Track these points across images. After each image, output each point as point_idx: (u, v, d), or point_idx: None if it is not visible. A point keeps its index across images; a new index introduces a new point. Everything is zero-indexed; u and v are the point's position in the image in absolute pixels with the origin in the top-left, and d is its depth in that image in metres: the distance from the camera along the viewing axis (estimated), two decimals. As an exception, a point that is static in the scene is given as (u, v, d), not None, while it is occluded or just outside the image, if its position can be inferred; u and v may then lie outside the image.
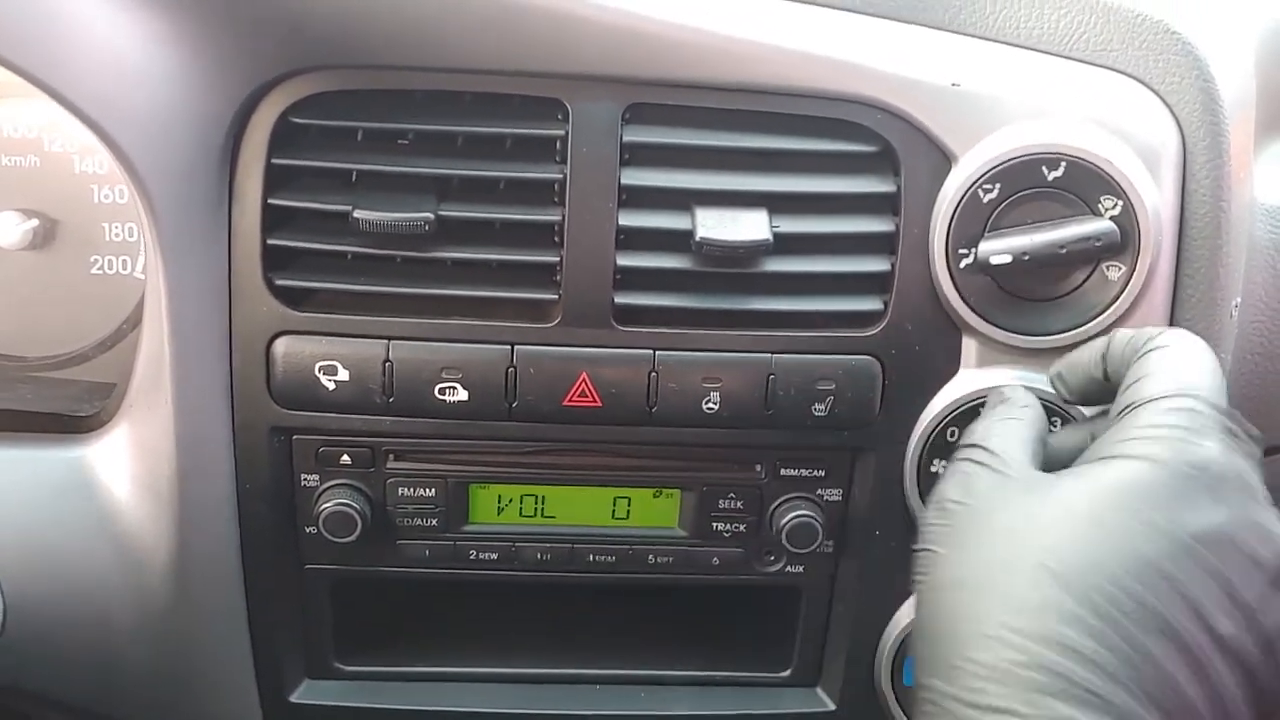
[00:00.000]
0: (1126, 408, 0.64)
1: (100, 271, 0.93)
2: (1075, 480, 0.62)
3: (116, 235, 0.93)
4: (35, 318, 0.93)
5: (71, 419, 0.83)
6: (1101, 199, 0.78)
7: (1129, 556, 0.57)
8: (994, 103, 0.79)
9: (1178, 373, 0.64)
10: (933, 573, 0.64)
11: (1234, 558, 0.58)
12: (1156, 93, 0.81)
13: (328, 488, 0.84)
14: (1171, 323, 0.82)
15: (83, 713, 0.89)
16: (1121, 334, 0.71)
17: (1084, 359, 0.73)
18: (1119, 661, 0.56)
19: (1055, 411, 0.80)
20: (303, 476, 0.84)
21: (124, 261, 0.93)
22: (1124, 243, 0.78)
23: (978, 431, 0.71)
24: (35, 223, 0.91)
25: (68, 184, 0.92)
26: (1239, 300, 0.85)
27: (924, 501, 0.85)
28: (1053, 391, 0.78)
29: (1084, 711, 0.54)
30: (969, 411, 0.82)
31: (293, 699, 0.91)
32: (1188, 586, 0.57)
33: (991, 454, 0.67)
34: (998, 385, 0.79)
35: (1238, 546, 0.58)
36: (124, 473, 0.82)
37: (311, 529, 0.84)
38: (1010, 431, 0.70)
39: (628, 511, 0.88)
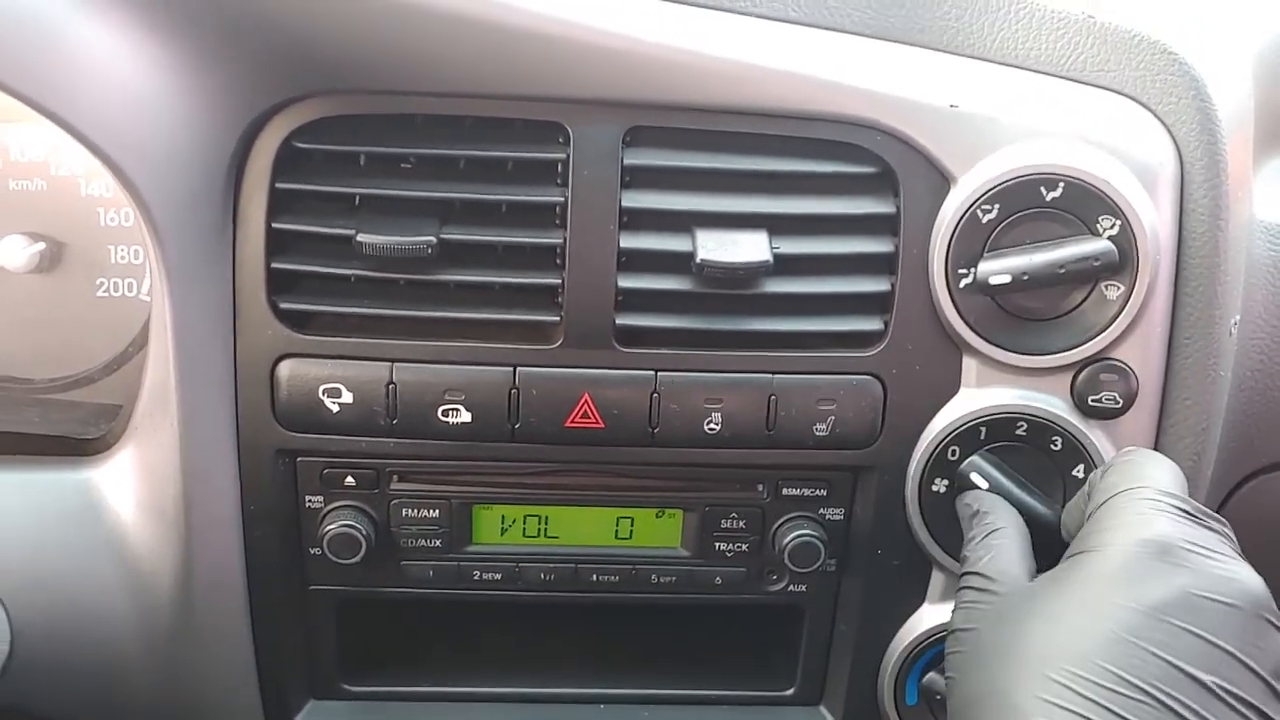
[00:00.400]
0: (1093, 506, 0.70)
1: (106, 294, 0.94)
2: (1049, 585, 0.67)
3: (123, 258, 0.93)
4: (41, 340, 0.93)
5: (77, 442, 0.84)
6: (1100, 219, 0.79)
7: (1102, 641, 0.61)
8: (992, 123, 0.79)
9: (1134, 471, 0.71)
10: (951, 697, 0.69)
11: (1206, 613, 0.61)
12: (1154, 112, 0.81)
13: (332, 509, 0.84)
14: (1171, 340, 0.83)
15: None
16: (1098, 471, 0.75)
17: (1076, 502, 0.77)
18: None
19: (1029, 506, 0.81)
20: (307, 498, 0.84)
21: (130, 284, 0.93)
22: (1122, 262, 0.79)
23: (969, 558, 0.75)
24: (42, 246, 0.92)
25: (74, 207, 0.92)
26: (1238, 318, 0.85)
27: (926, 521, 0.85)
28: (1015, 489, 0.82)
29: None
30: (970, 430, 0.83)
31: (297, 720, 0.91)
32: (1164, 651, 0.60)
33: (985, 578, 0.72)
34: (964, 498, 0.82)
35: (1208, 601, 0.61)
36: (130, 496, 0.82)
37: (316, 550, 0.84)
38: (997, 550, 0.74)
39: (630, 532, 0.88)
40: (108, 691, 0.86)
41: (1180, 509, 0.66)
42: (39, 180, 0.92)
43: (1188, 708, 0.58)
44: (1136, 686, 0.59)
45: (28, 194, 0.92)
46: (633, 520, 0.88)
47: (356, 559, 0.83)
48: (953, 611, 0.73)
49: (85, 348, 0.94)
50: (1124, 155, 0.80)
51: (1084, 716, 0.58)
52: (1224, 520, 0.68)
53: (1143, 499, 0.68)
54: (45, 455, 0.83)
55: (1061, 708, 0.59)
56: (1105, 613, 0.61)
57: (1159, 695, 0.58)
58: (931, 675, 0.89)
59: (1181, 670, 0.59)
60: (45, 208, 0.92)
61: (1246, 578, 0.63)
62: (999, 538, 0.75)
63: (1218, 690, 0.59)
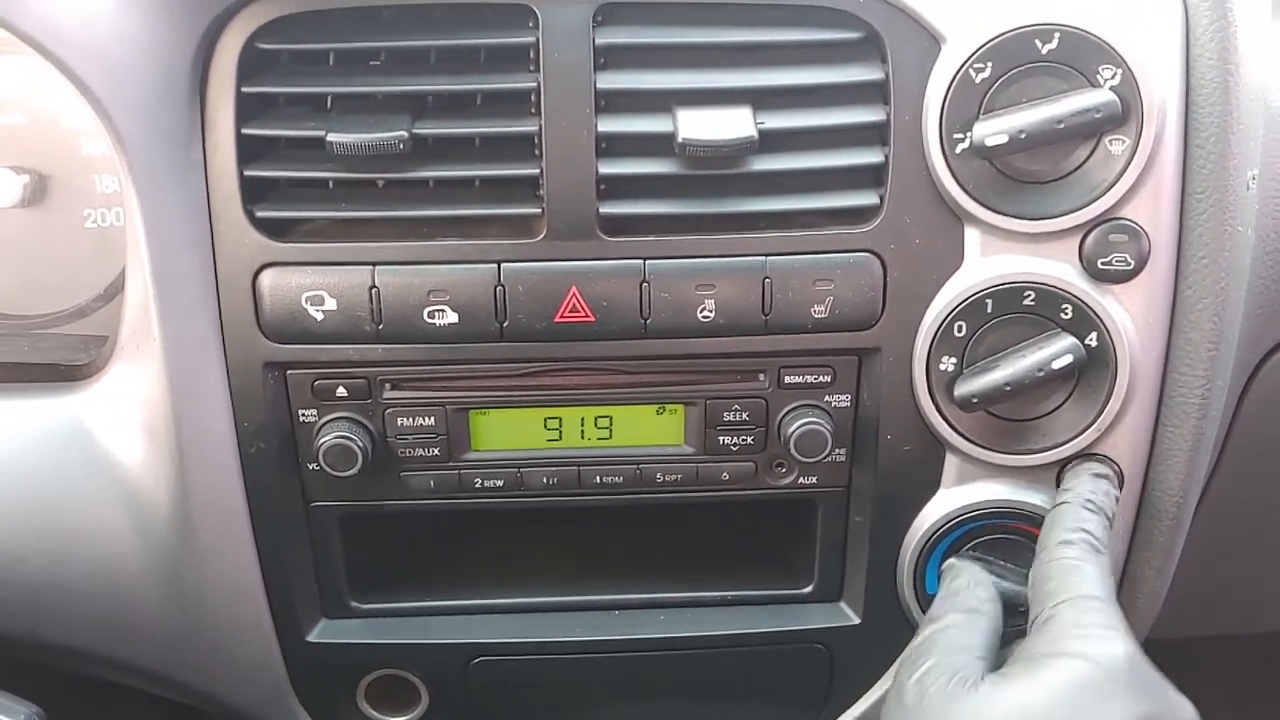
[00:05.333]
0: (1045, 611, 0.70)
1: (94, 225, 0.93)
2: (1017, 684, 0.66)
3: (107, 187, 0.92)
4: (33, 275, 0.93)
5: (67, 368, 0.84)
6: (1100, 69, 0.75)
7: None
8: (980, -24, 0.76)
9: (1080, 580, 0.71)
10: None
11: None
12: (1154, -44, 0.77)
13: (326, 421, 0.83)
14: (1183, 195, 0.79)
15: (107, 662, 0.90)
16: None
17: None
18: None
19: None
20: (300, 412, 0.83)
21: (116, 213, 0.92)
22: (1125, 113, 0.75)
23: (933, 627, 0.75)
24: (26, 178, 0.91)
25: (56, 139, 0.91)
26: (1256, 171, 0.81)
27: (935, 400, 0.82)
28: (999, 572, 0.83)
29: None
30: (976, 304, 0.80)
31: (311, 639, 0.91)
32: None
33: (950, 658, 0.71)
34: (956, 564, 0.81)
35: None
36: (121, 417, 0.82)
37: (313, 465, 0.83)
38: (964, 629, 0.74)
39: (632, 430, 0.86)
40: (117, 615, 0.86)
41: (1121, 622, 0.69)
42: (18, 113, 0.91)
43: None
44: None
45: (8, 128, 0.91)
46: (633, 418, 0.86)
47: (354, 471, 0.82)
48: (901, 681, 0.72)
49: (78, 280, 0.93)
50: (1123, 2, 0.76)
51: None
52: None
53: (1097, 610, 0.68)
54: (36, 383, 0.83)
55: None
56: None
57: None
58: (951, 560, 0.86)
59: None
60: (27, 140, 0.91)
61: (1187, 708, 0.66)
62: (976, 620, 0.75)
63: None
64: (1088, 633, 0.67)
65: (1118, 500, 0.81)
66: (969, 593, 0.78)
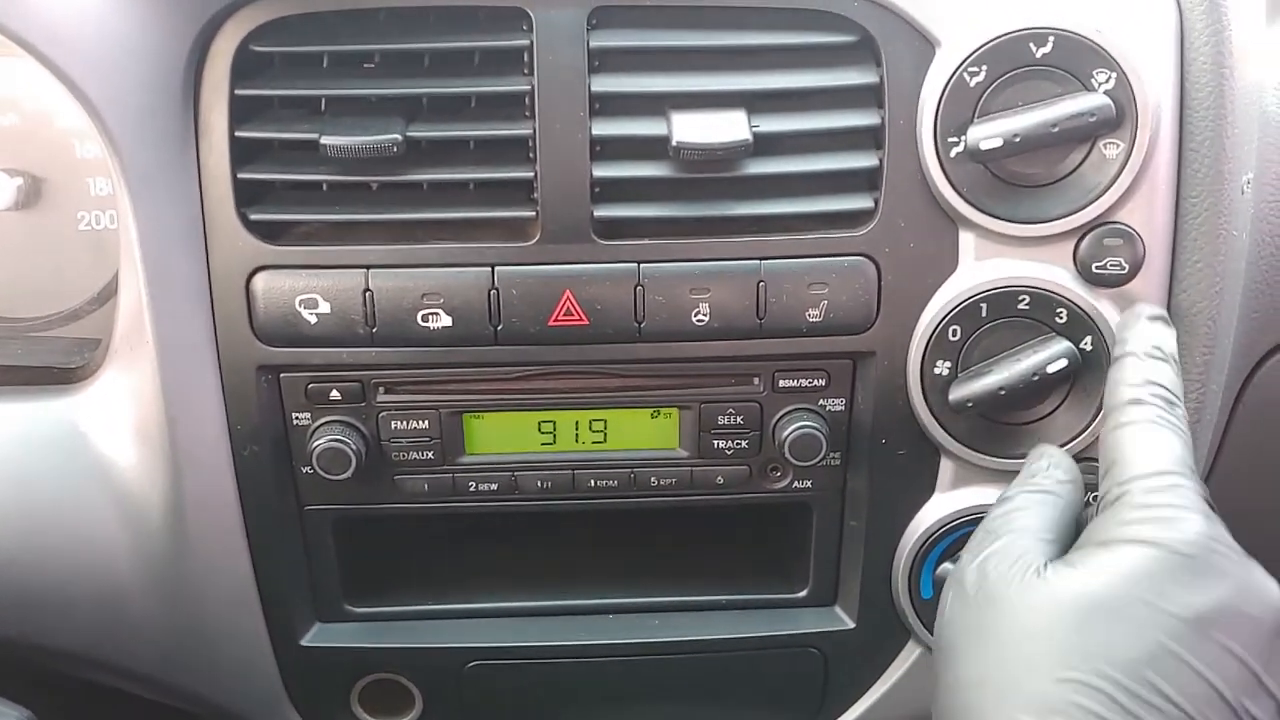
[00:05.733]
0: (1114, 490, 0.65)
1: (88, 227, 0.92)
2: (1083, 570, 0.62)
3: (101, 190, 0.92)
4: (26, 278, 0.92)
5: (61, 371, 0.83)
6: (1094, 73, 0.75)
7: (1144, 644, 0.58)
8: (975, -20, 0.76)
9: (1152, 450, 0.65)
10: (954, 668, 0.64)
11: (1242, 627, 0.59)
12: (1148, -40, 0.77)
13: (320, 425, 0.83)
14: (1177, 200, 0.79)
15: (100, 666, 0.90)
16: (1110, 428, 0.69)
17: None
18: None
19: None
20: (294, 415, 0.83)
21: (110, 216, 0.92)
22: (1120, 117, 0.75)
23: (1001, 509, 0.70)
24: (20, 181, 0.90)
25: (49, 140, 0.91)
26: (1251, 175, 0.81)
27: (929, 404, 0.82)
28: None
29: None
30: (971, 308, 0.80)
31: (304, 642, 0.90)
32: (1208, 670, 0.57)
33: (1015, 541, 0.66)
34: (1045, 447, 0.76)
35: (1243, 615, 0.59)
36: (114, 420, 0.81)
37: (307, 468, 0.83)
38: (1034, 511, 0.69)
39: (626, 434, 0.86)
40: (110, 618, 0.85)
41: (1206, 499, 0.63)
42: (11, 115, 0.91)
43: None
44: (1175, 704, 0.57)
45: (2, 130, 0.91)
46: (628, 422, 0.85)
47: (347, 474, 0.82)
48: (963, 565, 0.68)
49: (72, 283, 0.93)
50: (1118, 5, 0.76)
51: None
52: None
53: (1174, 486, 0.63)
54: (29, 385, 0.83)
55: (1095, 714, 0.56)
56: (1154, 619, 0.58)
57: (1195, 715, 0.57)
58: (946, 565, 0.86)
59: (1217, 691, 0.57)
60: (20, 142, 0.91)
61: (1274, 590, 0.61)
62: (1048, 500, 0.70)
63: (1243, 714, 0.57)
64: (1158, 513, 0.62)
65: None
66: (1045, 474, 0.72)
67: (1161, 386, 0.68)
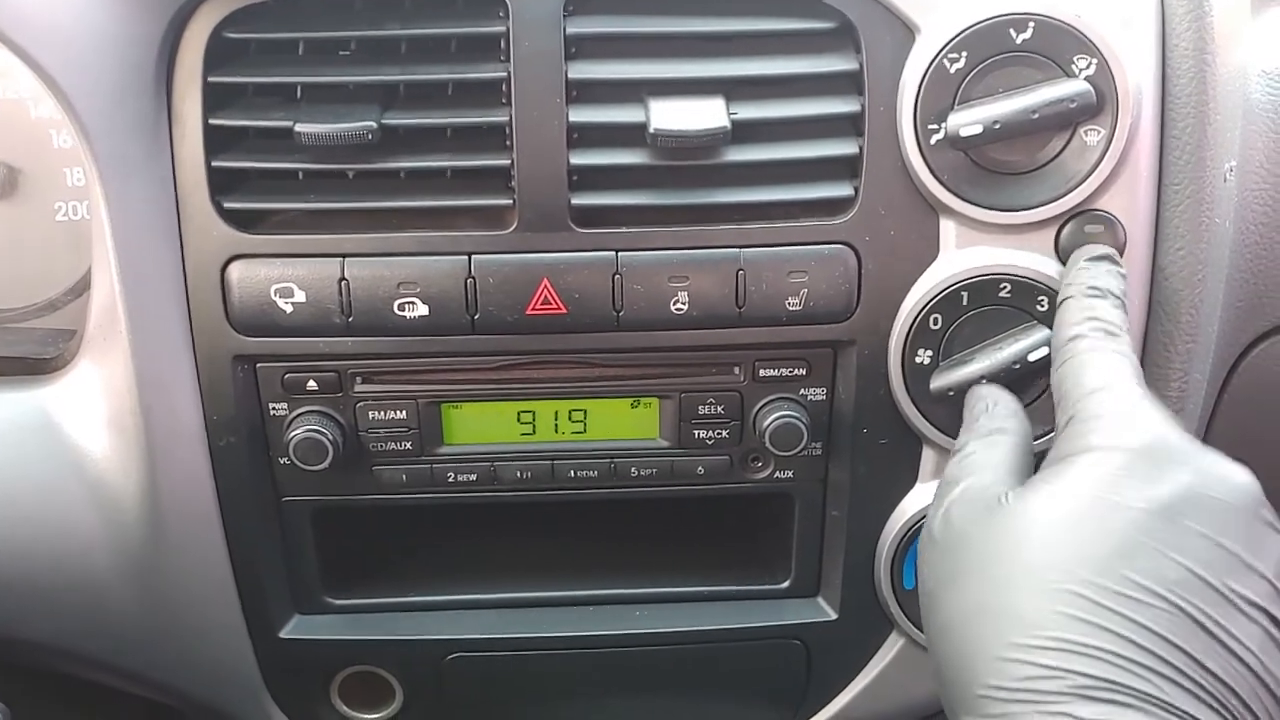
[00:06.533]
0: (1064, 415, 0.66)
1: (65, 218, 0.92)
2: (1044, 487, 0.62)
3: (78, 180, 0.91)
4: (3, 269, 0.92)
5: (35, 361, 0.83)
6: (1074, 59, 0.75)
7: (1110, 543, 0.58)
8: (955, -35, 0.75)
9: (1097, 372, 0.66)
10: (937, 614, 0.64)
11: (1213, 511, 0.58)
12: (1130, -54, 0.77)
13: (297, 415, 0.82)
14: (1160, 186, 0.78)
15: (76, 658, 0.89)
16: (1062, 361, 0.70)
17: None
18: (1130, 648, 0.55)
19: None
20: (271, 405, 0.82)
21: (88, 206, 0.91)
22: (1100, 104, 0.74)
23: (960, 458, 0.70)
24: (-3, 170, 0.90)
25: (25, 131, 0.90)
26: (1233, 164, 0.81)
27: (910, 393, 0.81)
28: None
29: (1109, 709, 0.54)
30: (952, 296, 0.79)
31: (283, 635, 0.90)
32: (1180, 555, 0.57)
33: (973, 481, 0.67)
34: (974, 391, 0.77)
35: (1213, 499, 0.58)
36: (89, 411, 0.81)
37: (284, 459, 0.82)
38: (997, 454, 0.69)
39: (606, 424, 0.85)
40: (86, 611, 0.85)
41: (1156, 400, 0.64)
42: (-14, 105, 0.90)
43: (1205, 614, 0.56)
44: (1154, 592, 0.56)
45: (-25, 120, 0.90)
46: (607, 412, 0.85)
47: (325, 465, 0.81)
48: (931, 516, 0.69)
49: (49, 274, 0.92)
50: (1099, -8, 0.75)
51: (1102, 626, 0.56)
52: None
53: (1119, 396, 0.64)
54: (2, 376, 0.82)
55: (1080, 619, 0.56)
56: (1117, 515, 0.58)
57: (1180, 602, 0.56)
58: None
59: (1197, 575, 0.56)
60: (-5, 133, 0.90)
61: (1241, 474, 0.60)
62: (1001, 441, 0.70)
63: (1231, 595, 0.56)
64: (1108, 421, 0.62)
65: (1124, 278, 0.74)
66: (988, 416, 0.73)
67: (1100, 320, 0.69)
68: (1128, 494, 0.58)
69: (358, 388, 0.82)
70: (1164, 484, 0.58)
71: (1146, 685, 0.54)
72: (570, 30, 0.75)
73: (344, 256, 0.77)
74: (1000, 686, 0.57)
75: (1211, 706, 0.55)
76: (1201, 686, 0.55)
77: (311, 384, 0.81)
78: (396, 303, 0.77)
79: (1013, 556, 0.60)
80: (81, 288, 0.92)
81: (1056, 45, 0.74)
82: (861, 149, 0.78)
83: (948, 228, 0.79)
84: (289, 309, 0.78)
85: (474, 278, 0.77)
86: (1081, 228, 0.78)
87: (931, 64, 0.75)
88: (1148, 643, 0.55)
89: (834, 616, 0.91)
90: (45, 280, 0.92)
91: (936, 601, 0.65)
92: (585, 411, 0.85)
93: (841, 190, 0.78)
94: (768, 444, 0.83)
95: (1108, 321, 0.69)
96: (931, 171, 0.77)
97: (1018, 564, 0.59)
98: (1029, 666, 0.56)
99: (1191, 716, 0.54)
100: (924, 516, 0.85)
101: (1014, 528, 0.61)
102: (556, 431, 0.85)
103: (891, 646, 0.92)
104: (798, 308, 0.79)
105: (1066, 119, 0.74)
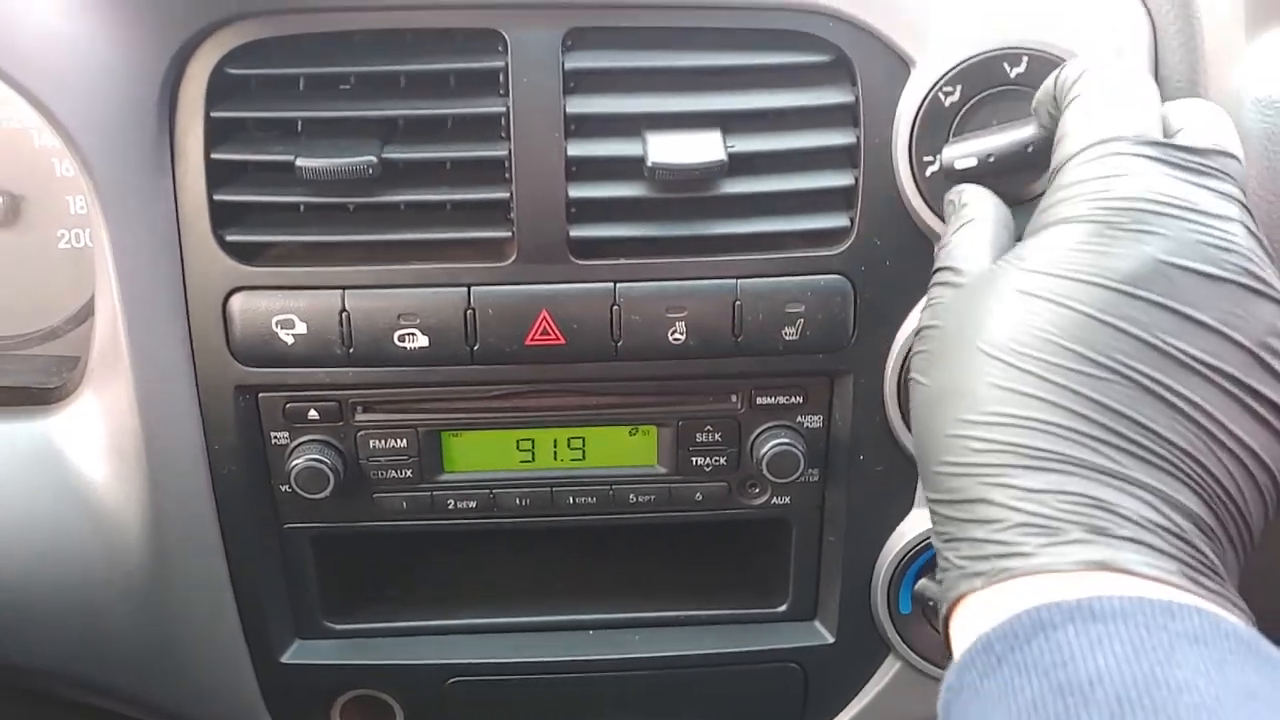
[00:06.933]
0: (1051, 175, 0.62)
1: (68, 245, 0.92)
2: (1006, 263, 0.60)
3: (81, 208, 0.92)
4: (4, 296, 0.92)
5: (38, 391, 0.83)
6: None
7: (1061, 316, 0.55)
8: (949, 1, 0.76)
9: (1094, 121, 0.61)
10: (913, 402, 0.64)
11: (1183, 283, 0.55)
12: (1122, -21, 0.77)
13: (299, 444, 0.83)
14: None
15: (77, 684, 0.90)
16: (1048, 82, 0.66)
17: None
18: (1078, 420, 0.54)
19: None
20: (272, 434, 0.83)
21: (90, 234, 0.92)
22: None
23: (939, 252, 0.68)
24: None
25: (28, 159, 0.91)
26: (1226, 192, 0.81)
27: (907, 423, 0.82)
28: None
29: (1055, 478, 0.53)
30: (946, 326, 0.80)
31: (284, 660, 0.90)
32: (1132, 326, 0.54)
33: (951, 270, 0.65)
34: (950, 192, 0.73)
35: (1182, 270, 0.55)
36: (91, 441, 0.81)
37: (286, 487, 0.83)
38: (968, 238, 0.67)
39: (605, 451, 0.86)
40: (89, 637, 0.86)
41: (1157, 158, 0.58)
42: (-11, 134, 0.91)
43: (1159, 383, 0.54)
44: (1102, 365, 0.54)
45: (-22, 148, 0.91)
46: (606, 439, 0.86)
47: (326, 493, 0.82)
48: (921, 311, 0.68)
49: (50, 301, 0.93)
50: (1091, 26, 0.76)
51: (1046, 400, 0.54)
52: (1227, 152, 0.59)
53: (1110, 154, 0.59)
54: (5, 406, 0.82)
55: (1021, 393, 0.55)
56: (1068, 290, 0.56)
57: (1128, 372, 0.54)
58: (924, 581, 0.87)
59: (1153, 345, 0.54)
60: (-1, 162, 0.91)
61: (1228, 238, 0.56)
62: (972, 228, 0.67)
63: (1192, 363, 0.54)
64: (1082, 188, 0.58)
65: None
66: (961, 209, 0.69)
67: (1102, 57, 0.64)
68: (1083, 269, 0.56)
69: (358, 417, 0.83)
70: (1122, 257, 0.55)
71: (1096, 457, 0.53)
72: (569, 65, 0.75)
73: (344, 288, 0.78)
74: (950, 462, 0.57)
75: (1168, 471, 0.53)
76: (1154, 453, 0.53)
77: (312, 413, 0.82)
78: (397, 334, 0.78)
79: (972, 337, 0.58)
80: (83, 315, 0.92)
81: (1050, 79, 0.75)
82: (857, 180, 0.78)
83: (943, 258, 0.80)
84: (290, 340, 0.78)
85: (473, 309, 0.78)
86: (1075, 258, 0.78)
87: (926, 97, 0.76)
88: (1096, 414, 0.54)
89: (831, 640, 0.92)
90: (47, 308, 0.93)
91: (913, 390, 0.64)
92: (584, 439, 0.86)
93: (837, 221, 0.79)
94: (765, 471, 0.83)
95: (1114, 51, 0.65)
96: (926, 203, 0.77)
97: (974, 344, 0.58)
98: (975, 441, 0.56)
99: (1145, 483, 0.53)
100: (921, 541, 0.87)
101: (975, 309, 0.60)
102: (555, 459, 0.86)
103: (888, 670, 0.93)
104: (794, 337, 0.80)
105: (1060, 152, 0.75)
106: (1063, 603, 0.49)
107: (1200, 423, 0.54)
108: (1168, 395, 0.54)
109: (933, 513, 0.60)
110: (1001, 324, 0.57)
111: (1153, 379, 0.54)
